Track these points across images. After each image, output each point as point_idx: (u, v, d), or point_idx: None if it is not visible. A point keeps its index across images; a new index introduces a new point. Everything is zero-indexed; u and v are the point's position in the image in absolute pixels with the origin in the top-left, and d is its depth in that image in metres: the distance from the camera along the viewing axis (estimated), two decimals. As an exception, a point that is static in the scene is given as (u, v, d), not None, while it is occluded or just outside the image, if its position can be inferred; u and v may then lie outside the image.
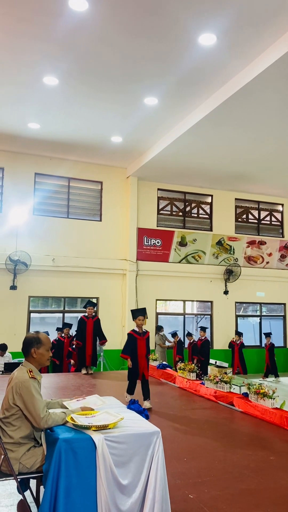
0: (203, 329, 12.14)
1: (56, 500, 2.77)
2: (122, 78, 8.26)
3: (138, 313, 7.29)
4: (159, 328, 13.04)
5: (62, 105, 9.45)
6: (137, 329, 7.29)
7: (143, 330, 7.32)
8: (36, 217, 12.57)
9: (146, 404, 7.00)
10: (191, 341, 12.20)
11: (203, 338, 11.91)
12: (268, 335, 13.52)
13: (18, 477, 3.07)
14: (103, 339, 10.72)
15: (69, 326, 11.74)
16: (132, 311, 7.55)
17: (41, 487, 3.21)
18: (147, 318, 7.44)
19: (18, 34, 7.02)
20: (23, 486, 3.23)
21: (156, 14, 6.42)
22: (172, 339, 12.82)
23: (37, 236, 12.40)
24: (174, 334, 12.83)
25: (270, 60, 7.13)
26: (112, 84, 8.51)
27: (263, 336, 15.13)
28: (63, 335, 11.62)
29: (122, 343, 13.13)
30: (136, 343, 7.18)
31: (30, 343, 3.30)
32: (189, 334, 12.57)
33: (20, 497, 3.22)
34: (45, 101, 9.29)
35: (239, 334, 13.27)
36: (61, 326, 12.47)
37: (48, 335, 3.63)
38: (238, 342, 12.95)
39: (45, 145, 11.83)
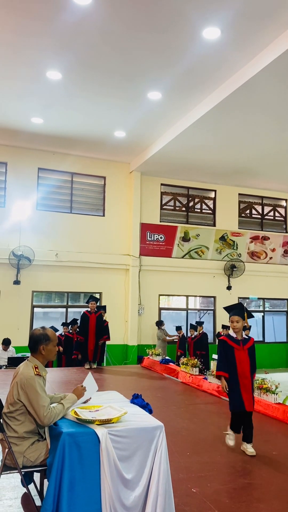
0: (199, 323, 12.17)
1: (59, 494, 2.79)
2: (125, 72, 8.22)
3: (232, 312, 5.16)
4: (160, 323, 13.05)
5: (65, 99, 9.42)
6: (233, 334, 5.10)
7: (244, 336, 5.12)
8: (39, 212, 12.58)
9: (248, 449, 4.88)
10: (192, 335, 12.19)
11: (200, 332, 11.95)
12: (227, 327, 12.87)
13: (22, 470, 3.09)
14: (104, 336, 10.75)
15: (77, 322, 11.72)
16: (226, 308, 5.44)
17: (45, 481, 3.24)
18: (251, 317, 5.25)
19: (21, 28, 6.98)
20: (27, 480, 3.26)
21: (160, 8, 6.37)
22: (176, 333, 12.81)
23: (40, 231, 12.42)
24: (178, 328, 12.82)
25: (274, 54, 7.07)
26: (116, 79, 8.47)
27: (266, 332, 15.12)
28: (70, 331, 11.64)
29: (125, 338, 13.19)
30: (233, 354, 4.99)
31: (39, 340, 3.30)
32: (192, 327, 12.50)
33: (24, 490, 3.25)
34: (48, 96, 9.27)
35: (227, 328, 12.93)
36: (65, 321, 12.49)
37: (57, 330, 3.63)
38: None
39: (48, 140, 11.81)
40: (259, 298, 15.26)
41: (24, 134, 11.45)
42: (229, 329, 12.31)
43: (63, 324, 11.92)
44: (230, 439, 5.06)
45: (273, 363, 14.52)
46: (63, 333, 11.61)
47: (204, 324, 12.81)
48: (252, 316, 5.48)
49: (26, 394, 3.10)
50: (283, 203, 15.89)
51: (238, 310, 5.15)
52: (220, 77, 8.32)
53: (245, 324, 5.14)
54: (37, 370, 3.20)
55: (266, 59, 7.29)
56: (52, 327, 10.37)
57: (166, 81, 8.49)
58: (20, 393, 3.12)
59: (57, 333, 11.18)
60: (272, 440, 5.54)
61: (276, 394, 6.78)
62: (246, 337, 5.12)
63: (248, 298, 15.02)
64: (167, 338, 12.78)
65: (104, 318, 11.15)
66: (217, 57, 7.66)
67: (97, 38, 7.19)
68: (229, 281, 14.56)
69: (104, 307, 11.57)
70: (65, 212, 12.98)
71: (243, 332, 5.16)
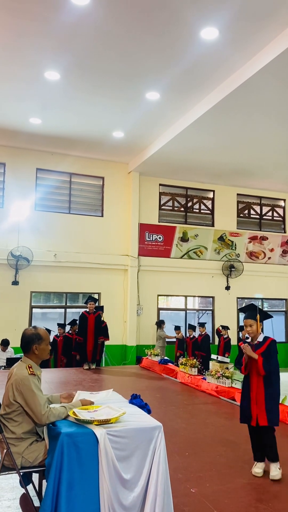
0: (201, 325, 12.15)
1: (58, 494, 2.78)
2: (124, 72, 8.22)
3: (245, 315, 4.60)
4: (162, 322, 13.02)
5: (63, 100, 9.42)
6: (249, 340, 4.58)
7: (259, 340, 4.48)
8: (38, 212, 12.57)
9: (274, 473, 4.24)
10: (191, 336, 12.15)
11: (203, 333, 11.91)
12: (225, 328, 12.65)
13: (20, 471, 3.09)
14: (101, 336, 10.75)
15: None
16: (240, 310, 4.81)
17: (44, 481, 3.24)
18: (267, 318, 4.73)
19: (19, 29, 6.98)
20: (25, 480, 3.25)
21: (158, 8, 6.38)
22: (174, 334, 12.76)
23: (38, 231, 12.41)
24: (177, 328, 12.74)
25: (273, 54, 7.08)
26: (114, 79, 8.47)
27: (265, 332, 15.10)
28: (70, 331, 11.60)
29: (124, 338, 13.18)
30: (247, 362, 4.49)
31: (31, 340, 3.29)
32: (191, 327, 12.44)
33: (23, 491, 3.24)
34: (46, 96, 9.26)
35: (225, 328, 12.83)
36: (64, 322, 12.47)
37: (49, 332, 3.63)
38: (225, 337, 12.46)
39: (47, 140, 11.81)
40: (257, 298, 15.29)
41: (22, 135, 11.45)
42: (228, 329, 12.37)
43: (59, 325, 11.85)
44: (255, 466, 4.39)
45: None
46: (58, 334, 11.56)
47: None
48: (270, 317, 4.74)
49: (22, 394, 3.10)
50: (282, 203, 15.91)
51: (250, 312, 4.52)
52: (218, 77, 8.32)
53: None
54: (31, 370, 3.19)
55: (264, 59, 7.30)
56: (47, 330, 10.35)
57: (164, 81, 8.49)
58: (15, 394, 3.12)
59: (53, 334, 11.20)
60: (271, 440, 5.53)
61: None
62: (261, 340, 4.47)
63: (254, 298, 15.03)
64: (168, 337, 12.68)
65: (102, 318, 11.14)
66: (215, 58, 7.66)
67: (95, 39, 7.19)
68: (227, 281, 14.56)
69: (101, 308, 11.55)
70: (63, 212, 12.98)
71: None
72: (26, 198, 12.35)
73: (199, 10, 6.41)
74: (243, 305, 15.20)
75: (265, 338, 4.49)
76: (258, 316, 4.48)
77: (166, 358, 11.02)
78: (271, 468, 4.28)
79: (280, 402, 6.69)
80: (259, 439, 4.44)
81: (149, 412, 3.53)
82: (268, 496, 3.86)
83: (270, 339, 4.49)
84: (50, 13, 6.57)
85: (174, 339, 12.79)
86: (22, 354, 3.42)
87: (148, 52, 7.53)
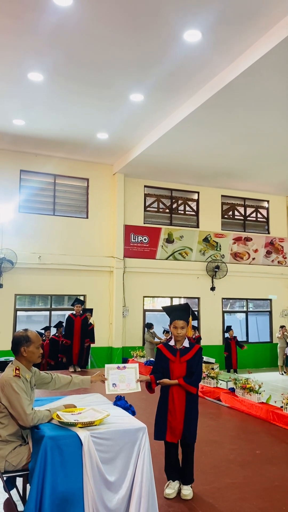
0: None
1: (42, 498, 2.76)
2: (107, 74, 8.22)
3: (175, 314, 4.03)
4: (149, 326, 13.02)
5: (47, 101, 9.37)
6: (171, 343, 4.11)
7: (184, 345, 4.02)
8: (22, 214, 12.47)
9: (184, 493, 3.83)
10: (168, 338, 12.14)
11: None
12: (230, 328, 13.27)
13: (4, 475, 3.06)
14: (87, 339, 10.71)
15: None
16: (166, 310, 4.27)
17: (27, 485, 3.21)
18: (195, 319, 4.07)
19: (1, 30, 6.92)
20: (9, 485, 3.22)
21: (141, 10, 6.39)
22: (163, 337, 12.79)
23: (23, 233, 12.30)
24: (165, 331, 12.79)
25: (255, 57, 7.16)
26: (98, 81, 8.46)
27: (250, 332, 15.26)
28: (57, 334, 11.50)
29: (110, 340, 13.14)
30: (167, 368, 4.01)
31: (19, 342, 3.28)
32: (167, 331, 12.43)
33: (6, 495, 3.21)
34: (30, 98, 9.20)
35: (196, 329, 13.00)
36: (48, 325, 12.37)
37: (42, 336, 3.62)
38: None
39: (31, 141, 11.73)
40: (242, 299, 15.42)
41: (5, 136, 11.35)
42: (197, 331, 12.32)
43: (45, 329, 11.73)
44: (167, 486, 3.92)
45: (256, 363, 14.65)
46: (44, 338, 11.44)
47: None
48: (196, 318, 4.44)
49: (6, 395, 3.09)
50: (265, 204, 16.07)
51: (184, 313, 4.01)
52: (202, 79, 8.38)
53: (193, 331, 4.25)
54: (17, 372, 3.18)
55: (247, 62, 7.37)
56: (40, 333, 10.22)
57: (148, 83, 8.51)
58: (0, 395, 3.11)
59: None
60: (255, 439, 5.59)
61: (260, 393, 6.85)
62: (188, 346, 3.99)
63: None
64: (153, 341, 12.71)
65: (90, 321, 11.08)
66: (198, 60, 7.71)
67: (78, 40, 7.18)
68: (212, 282, 14.64)
69: (90, 310, 11.49)
70: (48, 214, 12.89)
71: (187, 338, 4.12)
72: (9, 200, 12.23)
73: (182, 13, 6.45)
74: (229, 306, 15.32)
75: (191, 344, 4.05)
76: (190, 318, 4.01)
77: (151, 359, 11.01)
78: (186, 488, 3.88)
79: (264, 402, 6.79)
80: (177, 456, 4.02)
81: (133, 413, 3.54)
82: (252, 495, 3.90)
83: (198, 346, 4.03)
84: (33, 14, 6.53)
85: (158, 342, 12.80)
86: (7, 358, 3.40)
87: (131, 54, 7.54)
